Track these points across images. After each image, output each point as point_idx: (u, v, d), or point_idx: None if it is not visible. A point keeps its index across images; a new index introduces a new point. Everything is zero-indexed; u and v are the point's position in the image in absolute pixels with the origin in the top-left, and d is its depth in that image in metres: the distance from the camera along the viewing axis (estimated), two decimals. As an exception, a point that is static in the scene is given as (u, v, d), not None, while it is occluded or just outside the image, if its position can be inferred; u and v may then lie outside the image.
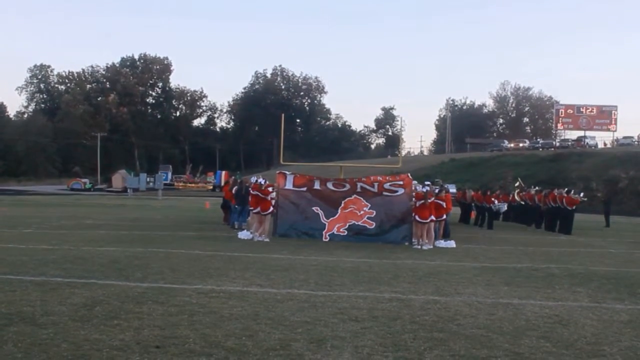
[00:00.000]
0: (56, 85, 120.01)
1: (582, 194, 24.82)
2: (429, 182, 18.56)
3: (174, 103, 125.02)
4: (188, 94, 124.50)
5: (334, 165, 32.93)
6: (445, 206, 17.60)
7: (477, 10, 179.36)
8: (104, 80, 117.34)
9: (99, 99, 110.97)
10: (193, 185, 78.13)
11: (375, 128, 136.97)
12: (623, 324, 7.58)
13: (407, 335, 6.68)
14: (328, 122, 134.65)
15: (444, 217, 17.81)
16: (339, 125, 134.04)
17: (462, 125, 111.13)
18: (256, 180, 17.69)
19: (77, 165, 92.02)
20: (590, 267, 13.00)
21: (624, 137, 79.21)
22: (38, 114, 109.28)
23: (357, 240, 16.92)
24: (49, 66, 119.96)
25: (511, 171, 56.56)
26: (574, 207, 23.29)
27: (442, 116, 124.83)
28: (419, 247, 16.15)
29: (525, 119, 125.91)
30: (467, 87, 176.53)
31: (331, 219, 17.50)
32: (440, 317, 7.64)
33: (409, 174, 18.42)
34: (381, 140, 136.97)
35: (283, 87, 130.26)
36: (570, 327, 7.33)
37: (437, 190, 17.69)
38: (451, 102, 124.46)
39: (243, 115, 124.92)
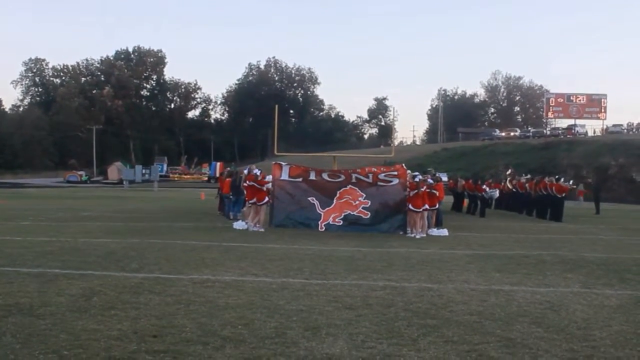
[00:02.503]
0: (51, 79, 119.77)
1: (571, 182, 25.02)
2: (417, 173, 18.61)
3: (168, 95, 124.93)
4: (182, 86, 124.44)
5: (328, 156, 32.97)
6: (438, 195, 17.73)
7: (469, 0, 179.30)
8: (99, 73, 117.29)
9: (94, 92, 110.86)
10: (188, 176, 78.15)
11: (368, 118, 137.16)
12: (613, 309, 7.67)
13: (400, 322, 6.75)
14: (321, 113, 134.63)
15: (437, 205, 17.93)
16: (332, 116, 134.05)
17: (454, 115, 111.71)
18: (252, 171, 17.77)
19: (73, 157, 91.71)
20: (581, 254, 13.12)
21: (614, 125, 79.76)
22: (33, 108, 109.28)
23: (352, 230, 17.01)
24: (43, 59, 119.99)
25: (502, 159, 56.89)
26: (563, 195, 23.45)
27: (434, 106, 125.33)
28: (412, 235, 16.25)
29: (516, 108, 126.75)
30: (458, 76, 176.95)
31: (327, 209, 17.56)
32: (433, 304, 7.72)
33: (403, 164, 18.48)
34: (374, 131, 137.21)
35: (276, 78, 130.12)
36: (561, 312, 7.41)
37: (430, 180, 17.83)
38: (443, 92, 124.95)
39: (237, 106, 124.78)
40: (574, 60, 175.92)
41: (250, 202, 17.24)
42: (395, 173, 17.70)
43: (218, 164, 74.83)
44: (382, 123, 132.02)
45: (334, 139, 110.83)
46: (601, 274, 10.35)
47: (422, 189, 16.52)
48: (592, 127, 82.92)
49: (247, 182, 17.48)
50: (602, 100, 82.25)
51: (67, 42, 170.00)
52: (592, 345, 6.04)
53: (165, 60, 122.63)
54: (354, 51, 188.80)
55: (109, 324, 6.39)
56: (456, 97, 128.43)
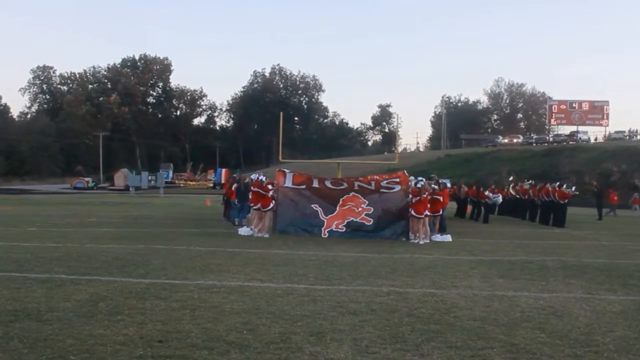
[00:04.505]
0: (58, 86, 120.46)
1: (573, 188, 25.01)
2: (421, 178, 18.66)
3: (174, 102, 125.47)
4: (188, 94, 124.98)
5: (332, 162, 33.00)
6: (442, 201, 17.78)
7: (472, 8, 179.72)
8: (106, 80, 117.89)
9: (100, 99, 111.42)
10: (194, 183, 78.38)
11: (372, 125, 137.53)
12: (616, 315, 7.69)
13: (404, 327, 6.79)
14: (326, 120, 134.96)
15: (440, 212, 17.96)
16: (337, 123, 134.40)
17: (457, 122, 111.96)
18: (257, 178, 17.82)
19: (80, 164, 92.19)
20: (584, 259, 13.15)
21: (616, 132, 80.00)
22: (41, 115, 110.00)
23: (355, 237, 17.04)
24: (51, 67, 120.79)
25: (505, 166, 56.90)
26: (566, 201, 23.46)
27: (437, 113, 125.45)
28: (416, 241, 16.29)
29: (519, 115, 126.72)
30: (461, 84, 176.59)
31: (330, 215, 17.59)
32: (437, 309, 7.76)
33: (404, 171, 18.54)
34: (378, 137, 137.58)
35: (281, 85, 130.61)
36: (564, 318, 7.44)
37: (434, 186, 17.87)
38: (446, 99, 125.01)
39: (242, 113, 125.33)
40: (576, 67, 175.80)
41: (254, 207, 17.32)
42: (398, 180, 17.76)
43: (223, 170, 75.19)
44: (386, 130, 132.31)
45: (338, 146, 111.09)
46: (604, 280, 10.38)
47: (424, 195, 16.57)
48: (594, 133, 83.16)
49: (253, 187, 17.59)
50: (605, 107, 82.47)
51: (75, 50, 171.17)
52: (595, 350, 6.07)
53: (171, 68, 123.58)
54: (358, 58, 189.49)
55: (115, 329, 6.45)
56: (459, 104, 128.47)
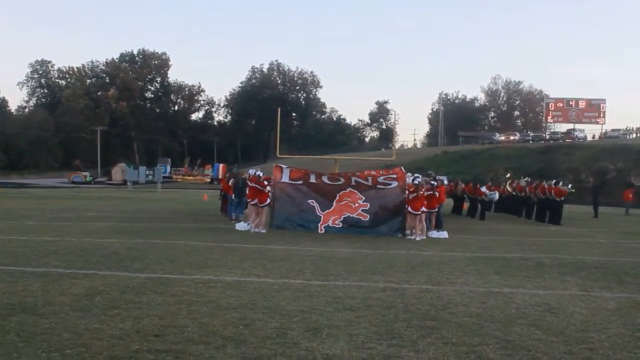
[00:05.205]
0: (57, 80, 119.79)
1: (570, 186, 25.08)
2: (418, 175, 18.69)
3: (172, 97, 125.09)
4: (186, 89, 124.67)
5: (330, 158, 32.96)
6: (437, 197, 17.81)
7: (469, 5, 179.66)
8: (104, 75, 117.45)
9: (99, 94, 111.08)
10: (191, 178, 78.24)
11: (369, 121, 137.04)
12: (611, 312, 7.73)
13: (400, 323, 6.81)
14: (323, 116, 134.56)
15: (437, 208, 17.98)
16: (334, 119, 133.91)
17: (454, 119, 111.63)
18: (254, 173, 17.85)
19: (78, 158, 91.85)
20: (579, 257, 13.20)
21: (612, 130, 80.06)
22: (39, 109, 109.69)
23: (351, 233, 17.08)
24: (49, 61, 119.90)
25: (502, 163, 57.00)
26: (562, 198, 23.52)
27: (434, 110, 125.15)
28: (412, 237, 16.30)
29: (516, 113, 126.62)
30: (459, 81, 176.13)
31: (326, 211, 17.62)
32: (433, 305, 7.78)
33: (401, 168, 18.56)
34: (375, 134, 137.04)
35: (279, 81, 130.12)
36: (560, 315, 7.47)
37: (432, 182, 17.90)
38: (444, 95, 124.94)
39: (240, 109, 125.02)
40: (573, 65, 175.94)
41: (251, 203, 17.33)
42: (394, 176, 17.78)
43: (221, 165, 75.03)
44: (384, 126, 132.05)
45: (336, 142, 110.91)
46: (599, 277, 10.42)
47: (421, 192, 16.59)
48: (591, 131, 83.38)
49: (250, 183, 17.61)
50: (601, 105, 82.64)
51: (73, 44, 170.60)
52: (590, 347, 6.10)
53: (170, 63, 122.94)
54: (356, 55, 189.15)
55: (112, 323, 6.46)
56: (457, 101, 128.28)
